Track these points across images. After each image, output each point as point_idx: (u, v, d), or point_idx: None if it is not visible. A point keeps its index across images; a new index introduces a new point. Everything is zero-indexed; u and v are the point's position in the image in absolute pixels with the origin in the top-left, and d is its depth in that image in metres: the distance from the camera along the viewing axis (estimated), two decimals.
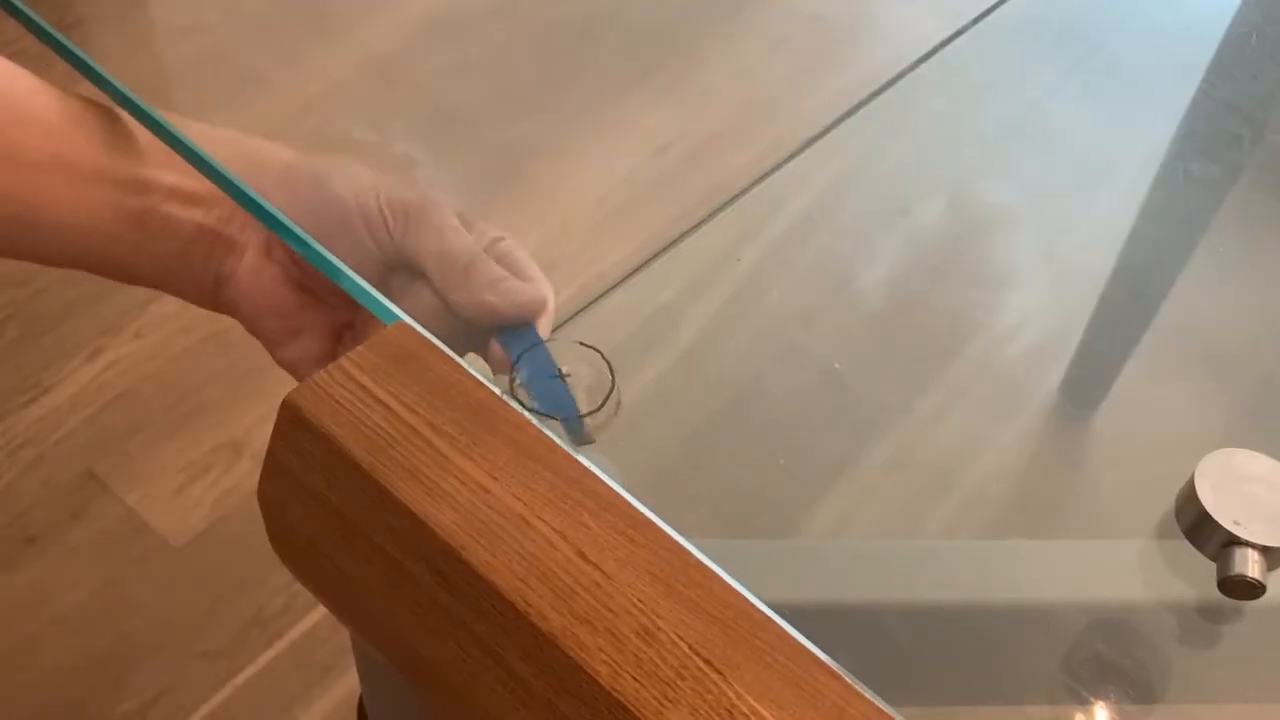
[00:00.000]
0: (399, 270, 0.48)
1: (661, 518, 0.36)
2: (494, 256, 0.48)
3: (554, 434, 0.38)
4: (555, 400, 0.46)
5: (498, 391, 0.39)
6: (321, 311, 0.51)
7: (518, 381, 0.47)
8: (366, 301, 0.43)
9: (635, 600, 0.34)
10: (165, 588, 1.20)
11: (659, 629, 0.33)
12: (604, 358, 0.48)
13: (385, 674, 0.48)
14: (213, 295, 0.51)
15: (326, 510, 0.38)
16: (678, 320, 0.62)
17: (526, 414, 0.39)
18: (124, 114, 0.49)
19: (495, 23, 1.71)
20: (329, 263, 0.45)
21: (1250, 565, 0.47)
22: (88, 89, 0.48)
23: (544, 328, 0.48)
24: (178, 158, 0.48)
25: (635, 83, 1.67)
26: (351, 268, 0.44)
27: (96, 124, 0.47)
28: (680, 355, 0.61)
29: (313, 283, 0.51)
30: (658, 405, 0.59)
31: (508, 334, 0.48)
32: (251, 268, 0.50)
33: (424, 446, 0.37)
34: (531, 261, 0.48)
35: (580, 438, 0.46)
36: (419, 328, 0.41)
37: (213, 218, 0.49)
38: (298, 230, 0.45)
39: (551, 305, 0.49)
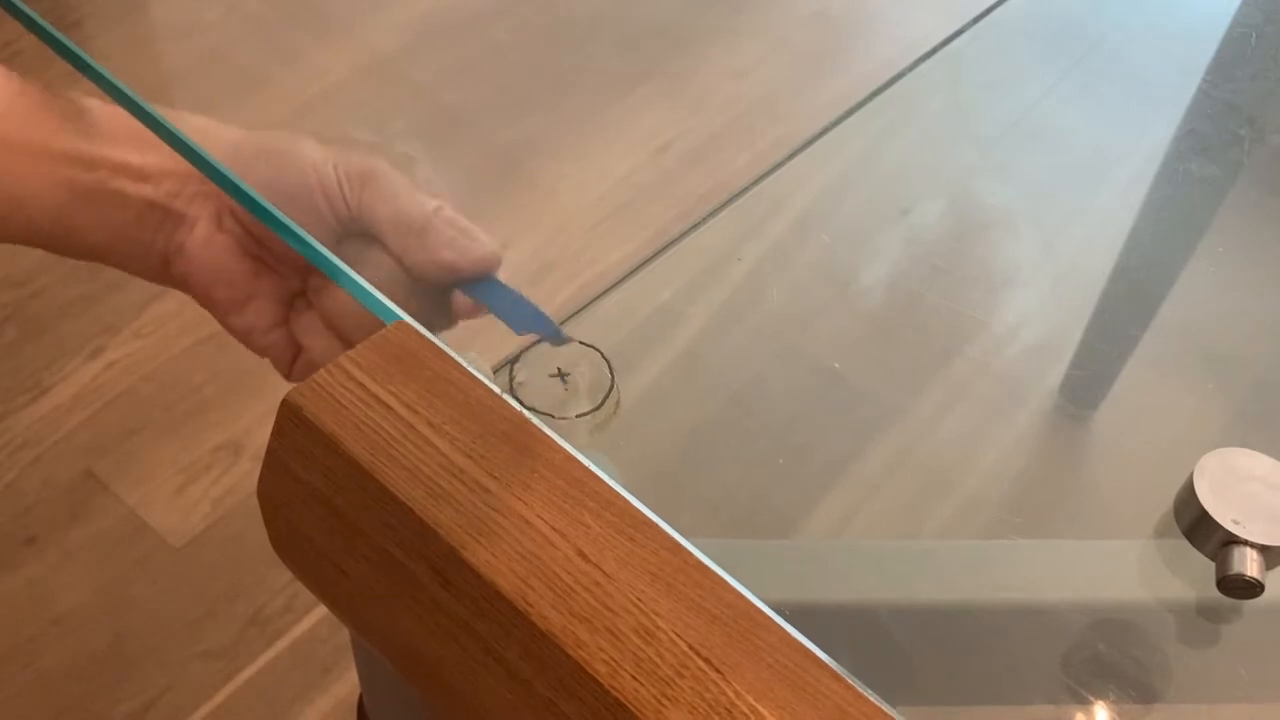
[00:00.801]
0: (353, 238, 0.49)
1: (661, 517, 0.36)
2: (443, 221, 0.49)
3: (554, 433, 0.38)
4: (529, 318, 0.48)
5: (497, 390, 0.39)
6: (273, 279, 0.52)
7: (517, 380, 0.47)
8: (366, 300, 0.44)
9: (635, 599, 0.34)
10: (165, 588, 1.20)
11: (658, 628, 0.33)
12: (604, 357, 0.48)
13: (385, 674, 0.48)
14: (162, 268, 0.52)
15: (326, 510, 0.38)
16: (678, 320, 0.62)
17: (527, 413, 0.39)
18: (66, 94, 0.49)
19: (495, 23, 1.71)
20: (327, 261, 0.45)
21: (1249, 564, 0.47)
22: (88, 88, 0.49)
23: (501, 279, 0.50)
24: (122, 134, 0.49)
25: (635, 82, 1.67)
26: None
27: (42, 101, 0.48)
28: (680, 355, 0.61)
29: (265, 251, 0.52)
30: (658, 405, 0.59)
31: (469, 289, 0.49)
32: (202, 240, 0.50)
33: (424, 446, 0.37)
34: (473, 225, 0.49)
35: (560, 340, 0.48)
36: (419, 327, 0.41)
37: (161, 192, 0.50)
38: (261, 200, 0.46)
39: (501, 261, 0.50)
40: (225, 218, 0.51)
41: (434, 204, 0.49)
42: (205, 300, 0.52)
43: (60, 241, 0.49)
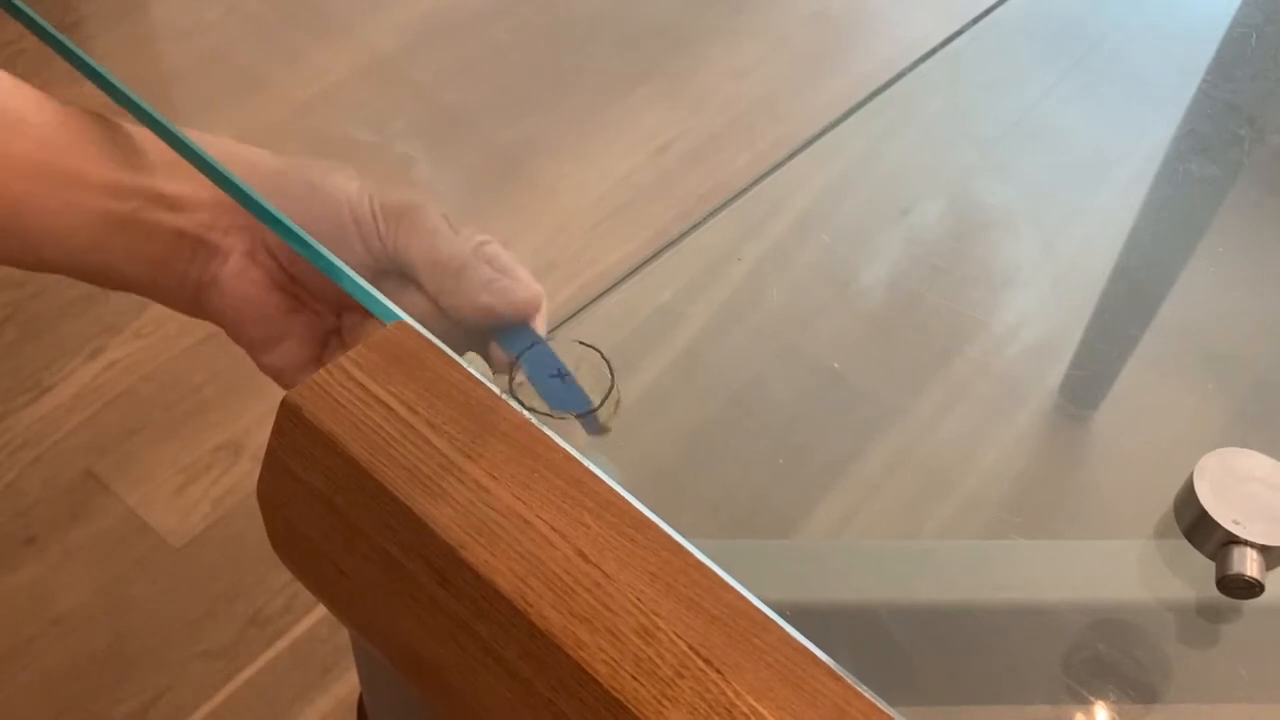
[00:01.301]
0: (389, 275, 0.48)
1: (661, 517, 0.36)
2: (482, 259, 0.48)
3: (554, 433, 0.38)
4: (565, 396, 0.46)
5: (497, 391, 0.39)
6: (307, 317, 0.51)
7: (517, 380, 0.47)
8: (366, 300, 0.43)
9: (635, 599, 0.34)
10: (165, 588, 1.20)
11: (658, 628, 0.33)
12: (604, 357, 0.48)
13: (385, 674, 0.48)
14: (195, 301, 0.51)
15: (326, 510, 0.38)
16: (678, 320, 0.62)
17: (526, 413, 0.39)
18: (106, 119, 0.49)
19: (495, 23, 1.71)
20: (328, 261, 0.45)
21: (1249, 565, 0.47)
22: (88, 89, 0.48)
23: (539, 326, 0.48)
24: (159, 163, 0.48)
25: (635, 82, 1.67)
26: None
27: (78, 128, 0.47)
28: (680, 355, 0.61)
29: (299, 288, 0.51)
30: (658, 405, 0.59)
31: (505, 334, 0.48)
32: (235, 273, 0.50)
33: (423, 446, 0.37)
34: (518, 263, 0.48)
35: (595, 429, 0.46)
36: (418, 327, 0.41)
37: (195, 223, 0.49)
38: (296, 229, 0.45)
39: (544, 303, 0.49)
40: (259, 251, 0.50)
41: (478, 240, 0.48)
42: (237, 335, 0.51)
43: (96, 273, 0.49)
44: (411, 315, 0.44)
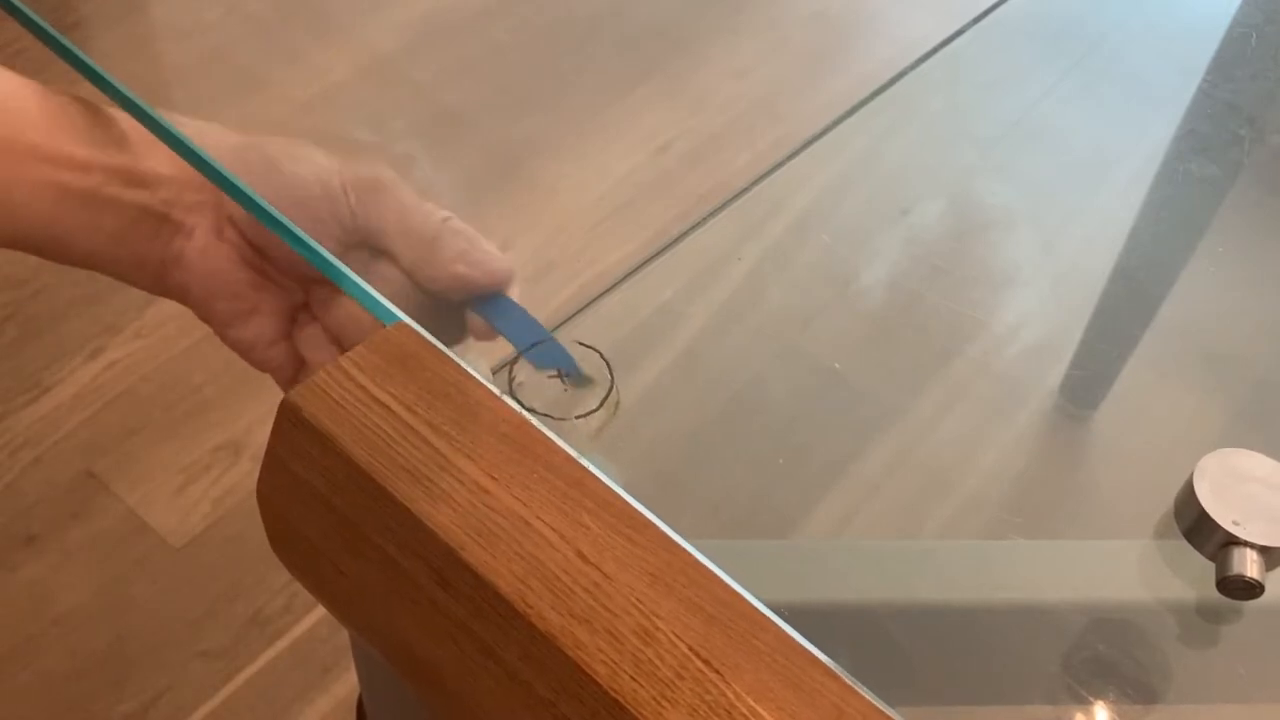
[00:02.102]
0: (359, 249, 0.48)
1: (661, 518, 0.36)
2: (451, 231, 0.48)
3: (554, 434, 0.38)
4: (551, 356, 0.47)
5: (497, 391, 0.39)
6: (274, 291, 0.51)
7: (517, 380, 0.47)
8: (365, 301, 0.43)
9: (634, 600, 0.34)
10: (165, 588, 1.20)
11: (658, 629, 0.33)
12: (603, 357, 0.48)
13: (385, 674, 0.48)
14: (158, 278, 0.50)
15: (326, 510, 0.38)
16: (678, 320, 0.62)
17: (526, 414, 0.39)
18: (77, 97, 0.48)
19: (495, 23, 1.71)
20: (326, 260, 0.45)
21: (1249, 565, 0.47)
22: (88, 89, 0.48)
23: (513, 295, 0.49)
24: (123, 139, 0.48)
25: (635, 82, 1.67)
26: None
27: (36, 102, 0.47)
28: (680, 355, 0.61)
29: (267, 263, 0.50)
30: (658, 405, 0.59)
31: (483, 304, 0.48)
32: (201, 249, 0.49)
33: (423, 446, 0.37)
34: (480, 236, 0.48)
35: (581, 382, 0.47)
36: (418, 327, 0.41)
37: (157, 199, 0.49)
38: (295, 228, 0.45)
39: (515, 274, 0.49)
40: (226, 227, 0.49)
41: (442, 214, 0.48)
42: (204, 312, 0.51)
43: (53, 248, 0.48)
44: (384, 288, 0.45)
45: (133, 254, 0.49)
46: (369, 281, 0.43)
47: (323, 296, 0.50)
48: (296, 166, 0.48)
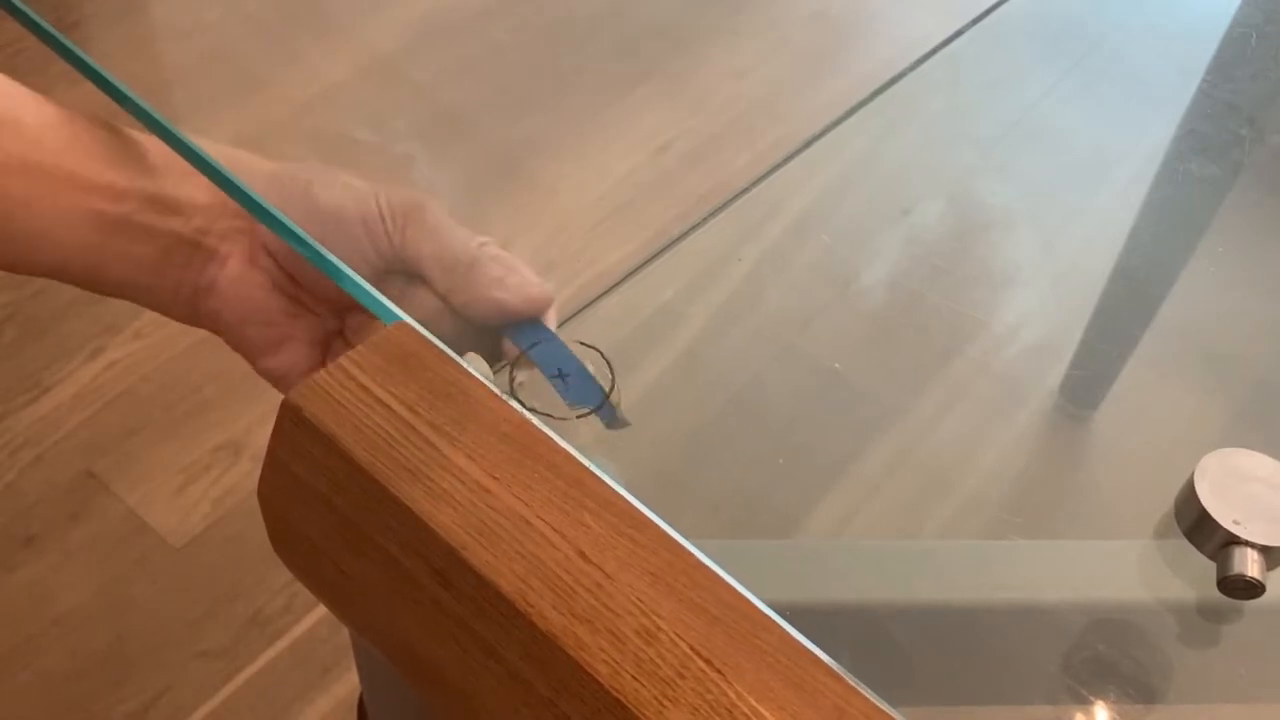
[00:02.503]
0: (395, 275, 0.48)
1: (661, 518, 0.36)
2: (489, 257, 0.48)
3: (555, 433, 0.38)
4: (583, 391, 0.46)
5: (498, 391, 0.39)
6: (309, 320, 0.50)
7: (518, 380, 0.47)
8: (367, 301, 0.43)
9: (635, 600, 0.34)
10: (165, 588, 1.20)
11: (659, 629, 0.33)
12: (604, 357, 0.48)
13: (385, 674, 0.48)
14: (191, 306, 0.50)
15: (326, 510, 0.38)
16: (678, 320, 0.62)
17: (527, 413, 0.39)
18: (105, 121, 0.48)
19: (495, 23, 1.71)
20: (328, 262, 0.45)
21: (1250, 565, 0.47)
22: (88, 89, 0.48)
23: (550, 323, 0.48)
24: (157, 167, 0.48)
25: (635, 82, 1.67)
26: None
27: (74, 130, 0.47)
28: (680, 355, 0.61)
29: (300, 291, 0.50)
30: (658, 405, 0.59)
31: (518, 331, 0.48)
32: (234, 277, 0.49)
33: (424, 446, 0.37)
34: (521, 262, 0.48)
35: (614, 422, 0.46)
36: (419, 327, 0.41)
37: (191, 227, 0.48)
38: (296, 229, 0.45)
39: (554, 301, 0.49)
40: (260, 255, 0.49)
41: (480, 240, 0.48)
42: (237, 340, 0.50)
43: (88, 276, 0.48)
44: (420, 313, 0.44)
45: (167, 282, 0.49)
46: (405, 306, 0.43)
47: (357, 324, 0.50)
48: (333, 192, 0.47)
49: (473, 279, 0.47)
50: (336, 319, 0.51)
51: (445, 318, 0.48)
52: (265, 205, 0.45)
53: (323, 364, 0.51)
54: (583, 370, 0.47)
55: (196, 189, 0.48)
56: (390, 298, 0.43)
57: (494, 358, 0.49)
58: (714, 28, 1.75)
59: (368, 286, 0.44)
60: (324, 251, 0.45)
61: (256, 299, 0.49)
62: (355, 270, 0.44)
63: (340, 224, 0.46)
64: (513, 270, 0.47)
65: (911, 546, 0.56)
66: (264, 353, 0.50)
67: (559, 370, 0.47)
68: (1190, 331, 0.65)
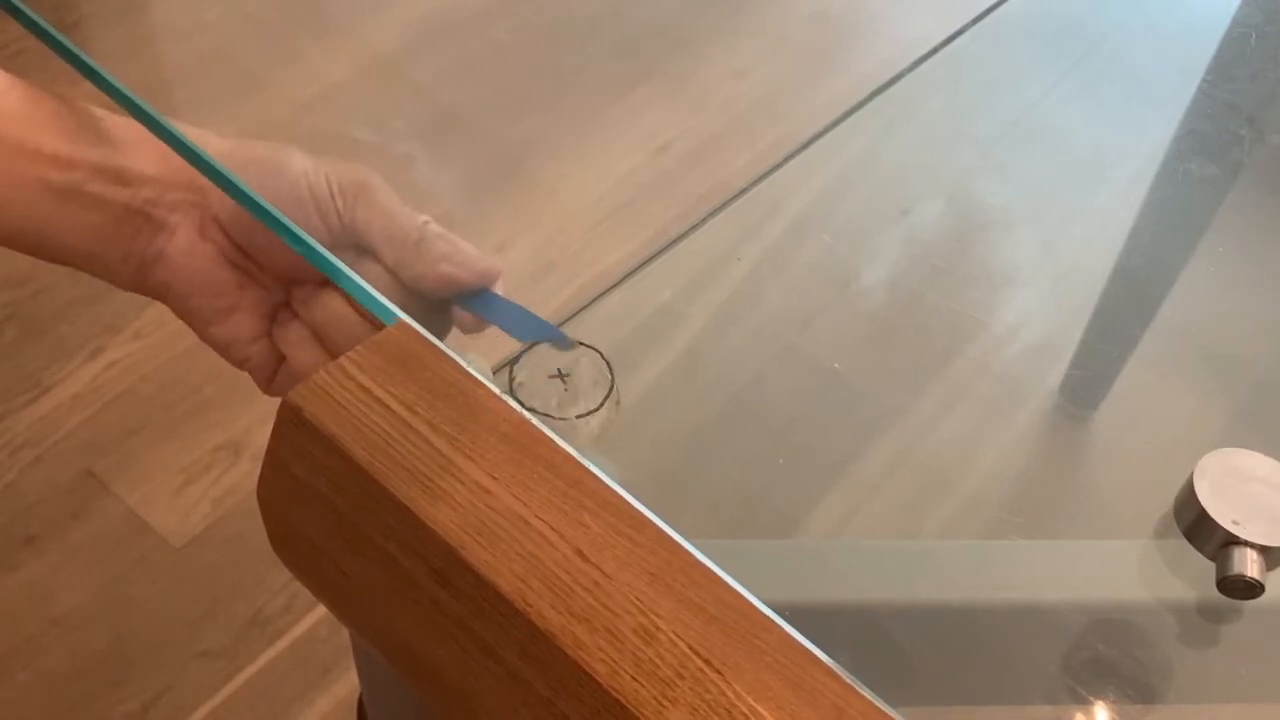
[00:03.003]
0: (344, 249, 0.49)
1: (661, 518, 0.36)
2: (433, 234, 0.49)
3: (554, 433, 0.38)
4: (533, 326, 0.48)
5: (497, 391, 0.39)
6: (256, 291, 0.52)
7: (517, 381, 0.47)
8: (365, 301, 0.44)
9: (634, 600, 0.34)
10: (165, 588, 1.20)
11: (658, 628, 0.33)
12: (604, 357, 0.48)
13: (385, 674, 0.48)
14: (138, 276, 0.51)
15: (326, 510, 0.38)
16: (678, 320, 0.62)
17: (526, 413, 0.39)
18: (57, 96, 0.49)
19: (495, 23, 1.71)
20: (327, 260, 0.45)
21: (1249, 565, 0.47)
22: (88, 89, 0.48)
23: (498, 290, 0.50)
24: (109, 139, 0.48)
25: (635, 82, 1.67)
26: None
27: (25, 100, 0.47)
28: (680, 355, 0.61)
29: (249, 262, 0.51)
30: (658, 405, 0.59)
31: (469, 301, 0.49)
32: (183, 248, 0.50)
33: (423, 446, 0.37)
34: (459, 238, 0.50)
35: (567, 344, 0.49)
36: (419, 327, 0.41)
37: (140, 198, 0.49)
38: (297, 229, 0.45)
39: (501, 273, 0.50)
40: (209, 226, 0.50)
41: (422, 218, 0.49)
42: (183, 309, 0.51)
43: (34, 243, 0.48)
44: (369, 284, 0.45)
45: (115, 251, 0.50)
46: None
47: (304, 295, 0.50)
48: (283, 169, 0.48)
49: (421, 254, 0.48)
50: (284, 290, 0.52)
51: (394, 289, 0.49)
52: (235, 180, 0.46)
53: (267, 333, 0.52)
54: (524, 312, 0.49)
55: (147, 161, 0.49)
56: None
57: (444, 325, 0.50)
58: (714, 28, 1.75)
59: (366, 285, 0.44)
60: (321, 250, 0.45)
61: (205, 270, 0.50)
62: (347, 268, 0.45)
63: (290, 200, 0.48)
64: (456, 246, 0.49)
65: (911, 546, 0.56)
66: (211, 321, 0.51)
67: (510, 321, 0.48)
68: (1190, 331, 0.65)
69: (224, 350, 0.52)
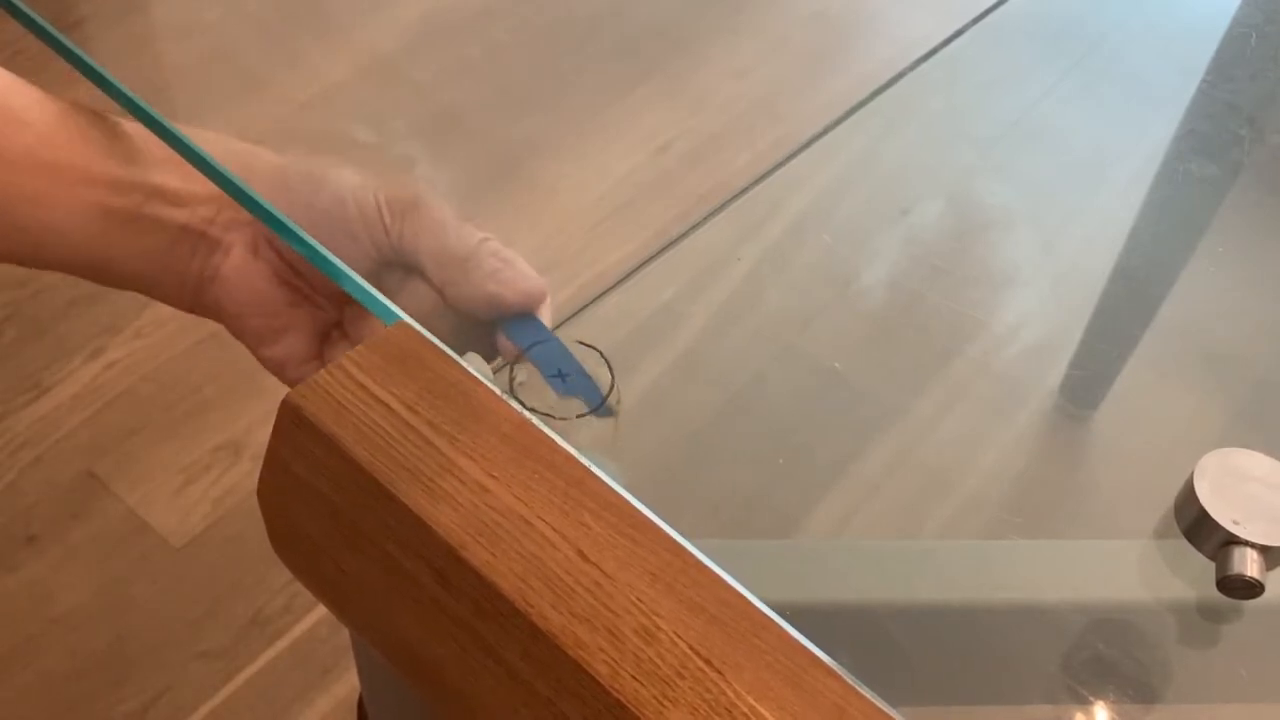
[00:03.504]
0: (393, 268, 0.49)
1: (661, 518, 0.36)
2: (487, 252, 0.48)
3: (555, 433, 0.38)
4: (582, 391, 0.47)
5: (498, 391, 0.39)
6: (309, 310, 0.51)
7: (518, 380, 0.47)
8: (367, 301, 0.43)
9: (635, 600, 0.34)
10: (165, 588, 1.20)
11: (659, 629, 0.33)
12: (604, 357, 0.48)
13: (385, 674, 0.48)
14: (195, 296, 0.51)
15: (326, 510, 0.38)
16: (678, 320, 0.62)
17: (526, 413, 0.39)
18: (106, 116, 0.49)
19: (495, 23, 1.71)
20: (329, 262, 0.45)
21: (1249, 565, 0.47)
22: (88, 89, 0.48)
23: (545, 317, 0.49)
24: (160, 159, 0.48)
25: (635, 82, 1.67)
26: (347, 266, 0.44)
27: (78, 124, 0.47)
28: (680, 355, 0.61)
29: (302, 281, 0.51)
30: (658, 405, 0.59)
31: (512, 326, 0.48)
32: (237, 267, 0.50)
33: (424, 446, 0.37)
34: (519, 257, 0.48)
35: (604, 412, 0.47)
36: (419, 327, 0.41)
37: (197, 218, 0.49)
38: (297, 229, 0.45)
39: (549, 295, 0.49)
40: (262, 245, 0.50)
41: (480, 235, 0.48)
42: (238, 329, 0.51)
43: (95, 268, 0.48)
44: (417, 308, 0.44)
45: (172, 273, 0.50)
46: (401, 299, 0.43)
47: (354, 314, 0.50)
48: (331, 185, 0.48)
49: (468, 273, 0.47)
50: (336, 310, 0.51)
51: (442, 312, 0.48)
52: (265, 204, 0.45)
53: (320, 354, 0.51)
54: (581, 370, 0.47)
55: (200, 180, 0.48)
56: (387, 291, 0.43)
57: (490, 354, 0.49)
58: (714, 28, 1.75)
59: (367, 285, 0.44)
60: (319, 247, 0.45)
61: (258, 289, 0.50)
62: (353, 264, 0.44)
63: (339, 218, 0.47)
64: (509, 264, 0.48)
65: (911, 546, 0.56)
66: (264, 342, 0.51)
67: (558, 370, 0.47)
68: (1190, 331, 0.65)
69: (278, 371, 0.51)
